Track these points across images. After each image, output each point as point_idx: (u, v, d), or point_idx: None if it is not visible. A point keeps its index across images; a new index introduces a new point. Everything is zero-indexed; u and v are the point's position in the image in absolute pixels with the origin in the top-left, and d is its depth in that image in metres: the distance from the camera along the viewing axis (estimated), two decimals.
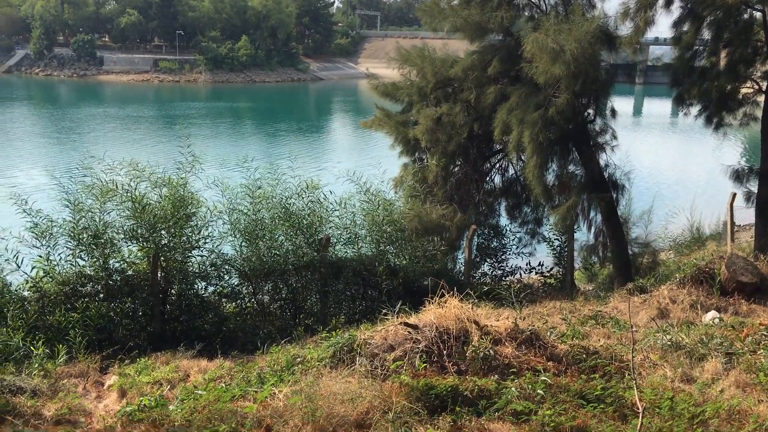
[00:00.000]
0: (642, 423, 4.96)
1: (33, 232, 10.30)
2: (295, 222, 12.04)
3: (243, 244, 11.89)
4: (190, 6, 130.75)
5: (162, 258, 10.96)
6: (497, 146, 15.48)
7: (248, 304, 12.27)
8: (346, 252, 12.77)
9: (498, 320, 7.27)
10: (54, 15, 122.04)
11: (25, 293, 10.29)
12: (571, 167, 14.48)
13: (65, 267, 10.58)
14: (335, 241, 12.54)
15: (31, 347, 8.91)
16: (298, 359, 7.44)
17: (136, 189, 10.97)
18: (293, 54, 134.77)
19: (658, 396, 5.79)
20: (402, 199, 14.31)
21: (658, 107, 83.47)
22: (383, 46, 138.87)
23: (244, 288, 12.16)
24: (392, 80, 16.21)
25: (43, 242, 10.38)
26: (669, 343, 7.52)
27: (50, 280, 10.38)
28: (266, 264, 11.82)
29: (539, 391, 5.68)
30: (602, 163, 14.66)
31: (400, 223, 13.13)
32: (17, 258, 10.21)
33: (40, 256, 10.40)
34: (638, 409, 5.05)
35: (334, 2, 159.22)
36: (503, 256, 15.74)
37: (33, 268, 10.37)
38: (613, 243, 14.69)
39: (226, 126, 69.29)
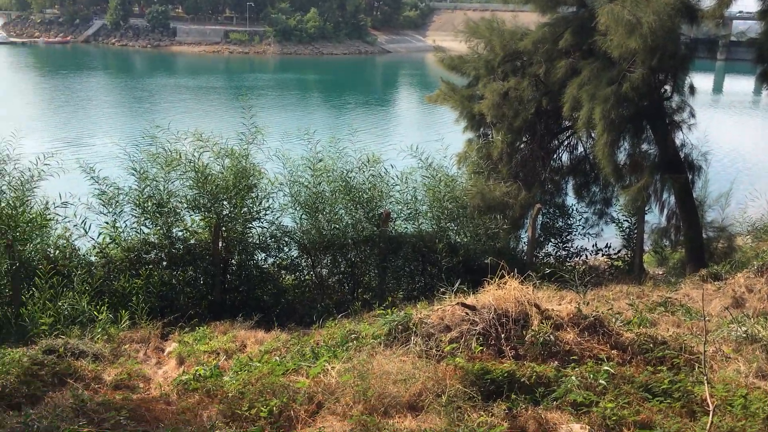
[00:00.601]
0: (712, 421, 4.64)
1: (100, 199, 10.53)
2: (355, 196, 11.94)
3: (303, 216, 11.88)
4: None
5: (223, 228, 11.05)
6: (566, 123, 14.92)
7: (307, 277, 12.29)
8: (406, 228, 12.61)
9: (560, 304, 6.99)
10: None
11: (92, 258, 10.55)
12: (645, 146, 13.85)
13: (130, 234, 10.80)
14: (395, 216, 12.39)
15: (95, 312, 9.12)
16: (353, 335, 7.33)
17: (199, 159, 11.06)
18: (361, 26, 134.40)
19: (730, 393, 5.41)
20: (465, 176, 14.01)
21: (741, 85, 79.65)
22: (452, 19, 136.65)
23: (303, 261, 12.17)
24: (459, 53, 15.82)
25: (110, 209, 10.61)
26: (744, 335, 7.07)
27: (116, 246, 10.61)
28: (326, 237, 11.78)
29: (601, 381, 5.39)
30: (678, 142, 13.96)
31: (462, 199, 12.86)
32: (85, 224, 10.48)
33: (107, 223, 10.64)
34: (708, 405, 4.72)
35: None
36: (568, 237, 15.26)
37: (100, 234, 10.62)
38: (686, 226, 14.04)
39: (292, 98, 69.89)
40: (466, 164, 14.73)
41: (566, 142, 15.67)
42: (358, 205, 12.03)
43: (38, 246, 10.16)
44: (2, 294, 9.88)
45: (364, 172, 12.28)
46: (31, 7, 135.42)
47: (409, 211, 12.61)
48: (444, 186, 12.73)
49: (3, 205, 9.89)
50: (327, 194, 11.98)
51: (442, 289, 7.72)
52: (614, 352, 6.19)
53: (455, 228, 13.01)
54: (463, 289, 7.43)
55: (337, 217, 12.04)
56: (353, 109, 63.52)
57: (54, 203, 10.31)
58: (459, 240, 12.86)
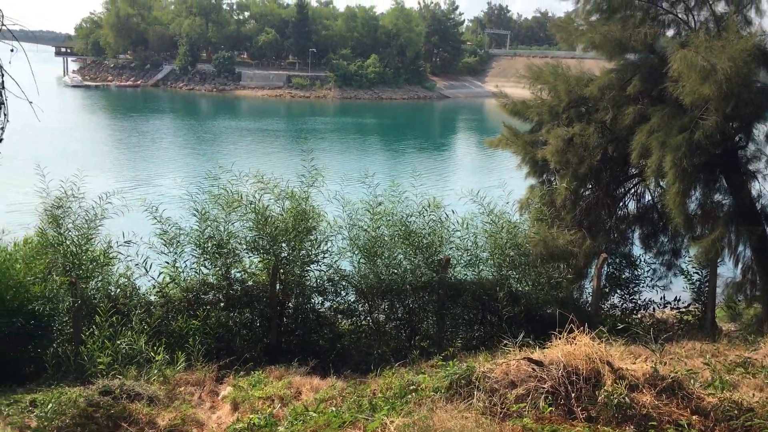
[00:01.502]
0: None
1: (162, 238, 10.61)
2: (414, 241, 11.73)
3: (361, 260, 11.72)
4: (324, 25, 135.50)
5: (281, 270, 10.97)
6: (633, 170, 14.45)
7: (363, 322, 12.07)
8: (465, 274, 12.29)
9: (634, 362, 6.55)
10: (199, 33, 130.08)
11: (152, 298, 10.59)
12: (718, 196, 13.25)
13: (190, 274, 10.82)
14: (455, 262, 12.11)
15: (152, 352, 9.08)
16: (412, 386, 7.03)
17: (259, 201, 11.07)
18: (420, 72, 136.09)
19: None
20: (527, 222, 13.65)
21: None
22: (511, 65, 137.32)
23: (360, 305, 11.97)
24: (519, 98, 15.60)
25: (171, 249, 10.66)
26: None
27: (175, 286, 10.63)
28: (383, 282, 11.57)
29: None
30: (754, 193, 13.32)
31: (525, 247, 12.48)
32: (146, 263, 10.55)
33: (167, 263, 10.68)
34: None
35: (463, 21, 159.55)
36: (635, 288, 14.62)
37: (160, 273, 10.67)
38: (763, 281, 13.28)
39: (352, 141, 70.72)
40: (528, 211, 14.37)
41: (633, 190, 15.15)
42: (417, 250, 11.80)
43: (100, 284, 10.27)
44: (63, 331, 9.97)
45: (424, 216, 12.08)
46: (106, 53, 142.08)
47: (469, 258, 12.30)
48: (506, 233, 12.40)
49: (68, 243, 10.06)
50: (386, 238, 11.80)
51: (504, 342, 7.38)
52: (695, 417, 5.72)
53: (517, 276, 12.61)
54: (528, 343, 7.08)
55: (396, 262, 11.83)
56: (412, 153, 63.77)
57: (117, 242, 10.43)
58: (521, 289, 12.45)
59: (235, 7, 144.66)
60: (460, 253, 12.26)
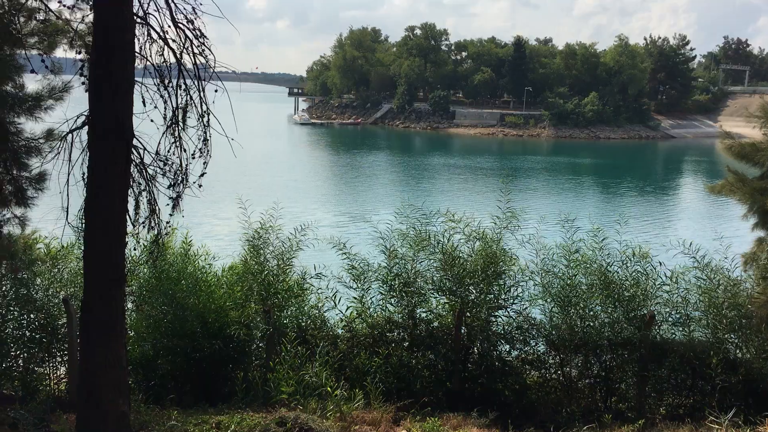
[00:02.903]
0: None
1: (350, 273, 10.77)
2: (614, 292, 10.75)
3: (554, 309, 10.97)
4: (541, 64, 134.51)
5: (467, 314, 10.62)
6: None
7: (553, 376, 11.25)
8: (673, 333, 11.00)
9: None
10: (417, 73, 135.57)
11: (339, 331, 10.76)
12: None
13: (376, 311, 10.84)
14: (661, 319, 10.89)
15: (331, 386, 9.13)
16: None
17: (449, 241, 10.85)
18: (644, 110, 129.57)
19: None
20: (751, 281, 11.96)
21: None
22: (749, 104, 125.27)
23: (550, 357, 11.19)
24: (752, 140, 13.85)
25: (359, 284, 10.78)
26: None
27: (361, 322, 10.71)
28: (577, 335, 10.72)
29: None
30: None
31: (747, 308, 10.91)
32: (335, 296, 10.77)
33: (355, 298, 10.81)
34: None
35: (694, 57, 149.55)
36: None
37: (348, 308, 10.82)
38: None
39: (561, 181, 68.80)
40: (754, 267, 12.60)
41: None
42: (617, 303, 10.81)
43: (292, 314, 10.64)
44: (256, 357, 10.46)
45: (627, 266, 11.05)
46: (331, 93, 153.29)
47: (678, 316, 11.00)
48: (723, 291, 10.94)
49: (265, 272, 10.57)
50: (582, 288, 10.95)
51: (714, 414, 6.37)
52: None
53: (736, 340, 11.04)
54: (750, 420, 6.02)
55: (592, 314, 10.92)
56: (625, 196, 60.33)
57: (309, 273, 10.78)
58: (740, 355, 10.87)
59: (453, 47, 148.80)
60: (667, 310, 11.02)
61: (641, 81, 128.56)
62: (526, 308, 11.04)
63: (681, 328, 10.98)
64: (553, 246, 11.40)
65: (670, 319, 11.04)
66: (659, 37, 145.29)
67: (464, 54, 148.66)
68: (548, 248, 11.34)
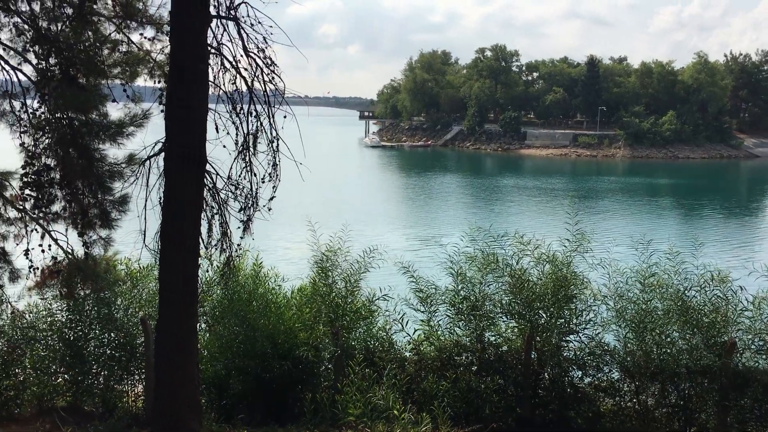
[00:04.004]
0: None
1: (418, 296, 10.75)
2: (692, 318, 10.34)
3: (628, 335, 10.63)
4: (616, 83, 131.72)
5: (537, 338, 10.42)
6: None
7: (629, 404, 10.87)
8: (756, 362, 10.46)
9: None
10: (488, 95, 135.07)
11: (406, 354, 10.73)
12: None
13: (444, 334, 10.77)
14: (743, 346, 10.39)
15: (396, 410, 9.09)
16: None
17: (518, 263, 10.70)
18: (725, 129, 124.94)
19: None
20: None
21: None
22: None
23: (625, 385, 10.81)
24: None
25: (426, 307, 10.74)
26: None
27: (429, 345, 10.65)
28: (653, 362, 10.34)
29: None
30: None
31: None
32: (402, 319, 10.76)
33: (423, 321, 10.77)
34: None
35: None
36: None
37: (415, 330, 10.79)
38: None
39: (637, 203, 66.87)
40: None
41: None
42: (695, 329, 10.38)
43: (360, 336, 10.69)
44: (324, 378, 10.54)
45: (706, 291, 10.62)
46: (402, 116, 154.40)
47: (761, 343, 10.48)
48: None
49: (333, 294, 10.68)
50: (658, 313, 10.58)
51: None
52: None
53: None
54: None
55: (669, 341, 10.52)
56: (705, 218, 58.08)
57: (376, 295, 10.81)
58: None
59: (524, 68, 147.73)
60: (750, 337, 10.50)
61: (722, 99, 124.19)
62: (599, 333, 10.74)
63: (765, 357, 10.45)
64: (627, 269, 11.09)
65: (752, 346, 10.53)
66: (740, 54, 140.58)
67: (535, 74, 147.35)
68: (622, 271, 11.04)
